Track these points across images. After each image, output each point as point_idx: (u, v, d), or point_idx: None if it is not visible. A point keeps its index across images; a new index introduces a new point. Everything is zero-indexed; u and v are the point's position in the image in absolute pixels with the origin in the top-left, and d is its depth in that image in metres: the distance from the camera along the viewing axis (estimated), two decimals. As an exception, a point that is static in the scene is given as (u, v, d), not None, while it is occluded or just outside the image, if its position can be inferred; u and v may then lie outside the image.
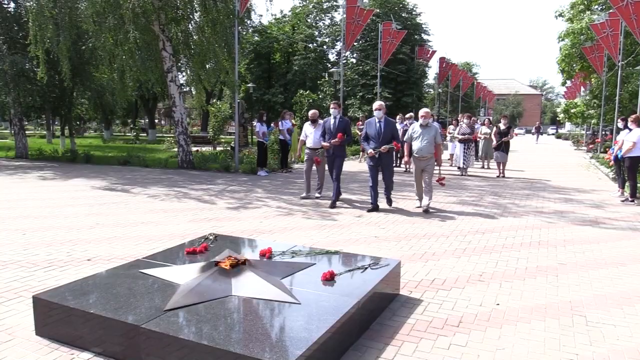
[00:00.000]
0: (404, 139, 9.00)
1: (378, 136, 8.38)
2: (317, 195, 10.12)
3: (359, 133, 17.15)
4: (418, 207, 8.99)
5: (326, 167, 9.93)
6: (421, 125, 8.64)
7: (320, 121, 9.94)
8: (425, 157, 8.63)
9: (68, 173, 14.19)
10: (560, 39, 26.83)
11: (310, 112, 10.19)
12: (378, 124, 8.42)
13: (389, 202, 8.99)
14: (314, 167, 10.10)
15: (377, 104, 8.61)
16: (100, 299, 3.62)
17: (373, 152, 8.37)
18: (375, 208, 8.71)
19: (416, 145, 8.64)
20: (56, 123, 33.64)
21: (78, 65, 17.88)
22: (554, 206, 9.62)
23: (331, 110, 9.12)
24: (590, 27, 21.00)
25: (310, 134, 9.97)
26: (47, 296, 3.69)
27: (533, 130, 74.93)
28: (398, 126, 17.06)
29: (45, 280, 4.86)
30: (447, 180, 13.63)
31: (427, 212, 8.59)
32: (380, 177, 8.87)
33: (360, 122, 17.95)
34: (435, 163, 8.85)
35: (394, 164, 17.38)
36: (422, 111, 8.81)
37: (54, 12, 14.99)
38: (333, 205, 9.01)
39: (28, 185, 11.64)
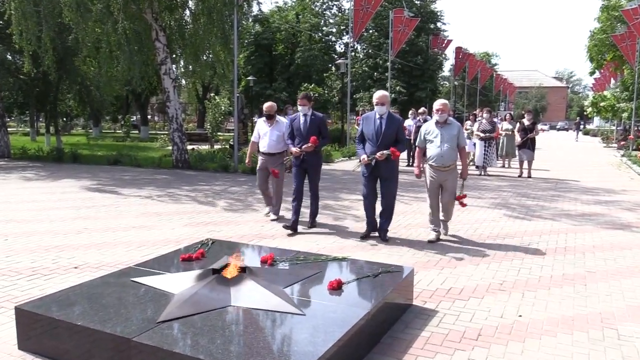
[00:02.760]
0: (417, 143, 7.22)
1: (377, 137, 6.63)
2: (272, 217, 8.28)
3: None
4: (432, 240, 6.92)
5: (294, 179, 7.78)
6: (437, 123, 6.79)
7: (281, 118, 8.32)
8: (446, 168, 6.77)
9: (54, 173, 14.25)
10: (597, 19, 26.88)
11: (266, 105, 8.28)
12: (378, 121, 6.68)
13: (383, 234, 6.94)
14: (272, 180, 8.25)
15: (378, 94, 6.74)
16: (88, 310, 3.62)
17: (367, 159, 6.65)
18: (372, 230, 7.11)
19: (432, 150, 6.80)
20: (40, 119, 33.86)
21: (64, 57, 17.97)
22: (581, 208, 9.57)
23: (299, 107, 7.43)
24: (622, 13, 20.92)
25: (264, 135, 8.15)
26: (30, 307, 3.70)
27: (559, 126, 75.07)
28: (410, 122, 16.93)
29: (28, 290, 4.88)
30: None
31: (438, 239, 6.96)
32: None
33: (359, 118, 17.43)
34: (460, 175, 6.98)
35: (406, 163, 17.31)
36: (438, 103, 6.83)
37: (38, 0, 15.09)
38: (313, 225, 7.68)
39: (10, 186, 11.70)
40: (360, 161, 6.87)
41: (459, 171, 7.01)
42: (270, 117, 8.13)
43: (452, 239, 7.06)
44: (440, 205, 7.04)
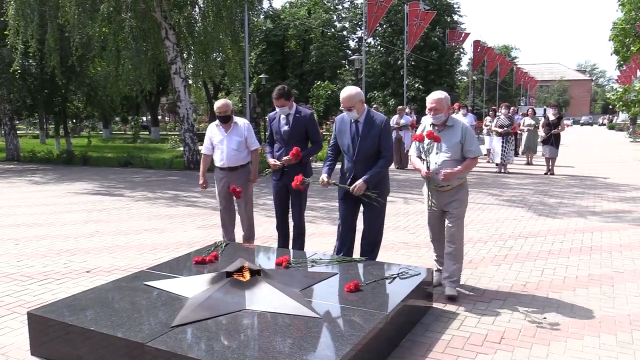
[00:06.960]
0: (410, 152, 5.43)
1: (353, 148, 5.01)
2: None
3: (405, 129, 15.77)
4: (437, 269, 5.25)
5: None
6: (434, 127, 4.86)
7: (239, 119, 6.25)
8: (445, 187, 4.83)
9: (64, 176, 14.42)
10: (619, 9, 26.60)
11: (218, 104, 6.06)
12: (354, 127, 5.02)
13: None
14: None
15: (343, 95, 4.99)
16: (100, 315, 3.66)
17: (326, 180, 5.11)
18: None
19: (429, 163, 4.92)
20: (50, 122, 34.25)
21: (72, 58, 18.14)
22: (607, 206, 9.46)
23: (277, 109, 5.76)
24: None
25: (220, 143, 6.08)
26: (42, 312, 3.75)
27: (582, 120, 74.17)
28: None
29: (40, 295, 4.94)
30: (484, 178, 13.52)
31: (451, 298, 4.74)
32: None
33: (399, 116, 15.78)
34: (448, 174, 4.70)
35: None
36: (429, 100, 4.80)
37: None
38: None
39: (20, 190, 11.86)
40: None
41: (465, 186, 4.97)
42: (225, 120, 6.05)
43: (471, 239, 6.97)
44: (446, 239, 4.98)
